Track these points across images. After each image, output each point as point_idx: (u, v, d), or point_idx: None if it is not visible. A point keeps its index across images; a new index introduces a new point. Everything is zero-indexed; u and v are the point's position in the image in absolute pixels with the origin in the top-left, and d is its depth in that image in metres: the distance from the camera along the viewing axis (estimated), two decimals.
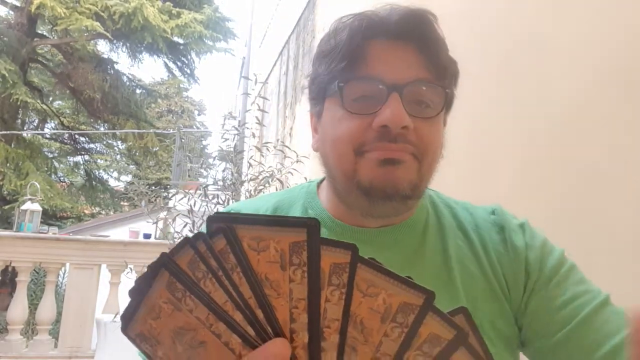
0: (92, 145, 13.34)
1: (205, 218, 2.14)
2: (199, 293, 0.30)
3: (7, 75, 8.80)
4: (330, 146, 0.59)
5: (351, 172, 0.57)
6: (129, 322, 0.32)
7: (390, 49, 0.57)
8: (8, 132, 9.68)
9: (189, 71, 12.32)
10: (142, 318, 0.32)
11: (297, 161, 2.33)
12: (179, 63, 12.08)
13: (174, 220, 2.25)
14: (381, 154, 0.55)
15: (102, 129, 12.65)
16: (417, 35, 0.57)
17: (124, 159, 15.70)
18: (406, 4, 0.60)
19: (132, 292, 0.32)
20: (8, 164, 9.57)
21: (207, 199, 2.21)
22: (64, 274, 6.36)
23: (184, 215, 2.14)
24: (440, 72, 0.57)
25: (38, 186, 6.39)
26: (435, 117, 0.58)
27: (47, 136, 12.95)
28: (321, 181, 0.69)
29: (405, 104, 0.55)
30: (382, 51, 0.57)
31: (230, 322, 0.30)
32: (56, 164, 12.15)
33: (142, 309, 0.31)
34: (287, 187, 2.28)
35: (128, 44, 10.80)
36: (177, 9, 10.32)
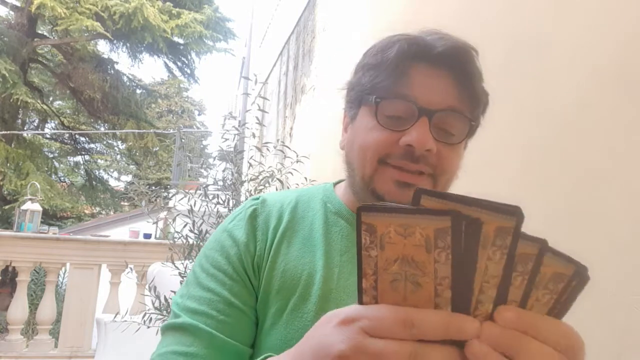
0: (92, 145, 13.35)
1: (205, 218, 2.15)
2: (460, 259, 0.31)
3: (7, 75, 8.81)
4: (358, 150, 0.64)
5: (369, 179, 0.63)
6: (375, 211, 0.32)
7: (430, 75, 0.61)
8: (8, 132, 9.69)
9: (189, 71, 12.33)
10: (387, 220, 0.32)
11: (297, 161, 2.33)
12: (179, 63, 12.09)
13: (174, 220, 2.25)
14: (398, 174, 0.60)
15: (102, 129, 12.66)
16: (458, 67, 0.61)
17: (124, 159, 15.72)
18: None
19: (410, 199, 0.32)
20: (8, 164, 9.57)
21: (207, 199, 2.21)
22: (64, 274, 6.37)
23: (184, 215, 2.14)
24: (473, 104, 0.63)
25: (38, 186, 6.40)
26: (458, 144, 0.63)
27: (48, 136, 12.95)
28: (336, 183, 0.75)
29: (432, 128, 0.59)
30: (423, 75, 0.61)
31: (456, 298, 0.32)
32: (56, 164, 12.15)
33: (397, 218, 0.32)
34: (288, 187, 2.28)
35: (128, 44, 10.80)
36: (177, 9, 10.32)
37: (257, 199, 0.72)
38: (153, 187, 2.54)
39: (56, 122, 12.89)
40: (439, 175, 0.62)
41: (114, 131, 11.66)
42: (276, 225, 0.68)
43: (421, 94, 0.60)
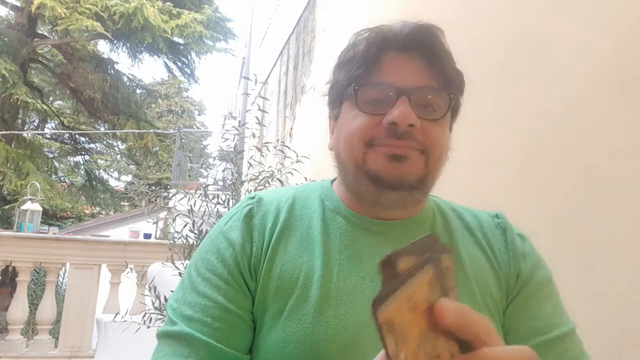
0: (92, 145, 13.34)
1: (205, 218, 2.15)
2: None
3: (7, 75, 8.80)
4: (344, 140, 0.65)
5: (361, 162, 0.63)
6: (382, 304, 0.28)
7: (401, 60, 0.63)
8: (8, 132, 9.68)
9: (189, 71, 12.31)
10: (398, 304, 0.29)
11: (297, 161, 2.33)
12: (179, 63, 12.08)
13: (174, 220, 2.25)
14: (388, 149, 0.61)
15: (102, 129, 12.65)
16: (425, 48, 0.63)
17: (124, 159, 15.70)
18: (415, 17, 0.66)
19: (390, 276, 0.29)
20: (8, 164, 9.56)
21: (207, 199, 2.20)
22: (64, 274, 6.37)
23: (184, 215, 2.14)
24: (446, 81, 0.63)
25: (38, 186, 6.40)
26: (441, 119, 0.63)
27: (48, 136, 12.95)
28: (334, 180, 0.75)
29: (413, 106, 0.60)
30: (394, 61, 0.63)
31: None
32: (56, 164, 12.13)
33: (401, 295, 0.29)
34: (288, 186, 2.28)
35: (128, 44, 10.79)
36: (177, 9, 10.31)
37: (253, 197, 0.71)
38: (153, 187, 2.53)
39: (56, 122, 12.88)
40: (430, 152, 0.62)
41: (114, 131, 11.65)
42: (273, 225, 0.66)
43: (396, 77, 0.62)
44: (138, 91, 12.26)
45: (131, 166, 17.11)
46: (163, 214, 4.38)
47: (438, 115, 0.62)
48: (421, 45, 0.62)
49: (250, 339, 0.62)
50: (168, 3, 10.26)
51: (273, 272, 0.62)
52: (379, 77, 0.62)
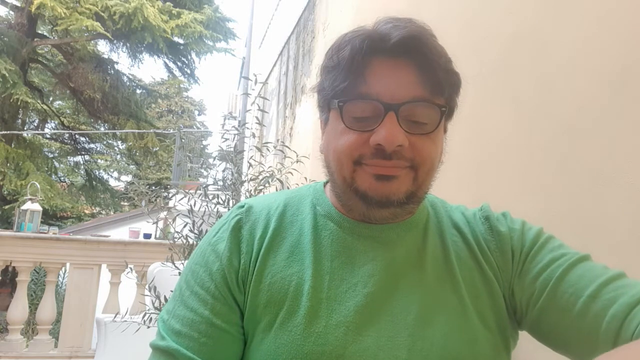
0: (92, 145, 13.35)
1: (205, 218, 2.15)
2: None
3: (7, 75, 8.80)
4: (332, 155, 0.63)
5: (349, 180, 0.61)
6: None
7: (388, 68, 0.59)
8: (8, 132, 9.68)
9: (189, 71, 12.32)
10: None
11: (297, 161, 2.33)
12: (179, 63, 12.08)
13: (174, 220, 2.25)
14: (376, 169, 0.59)
15: (102, 129, 12.66)
16: (415, 54, 0.59)
17: (124, 159, 15.71)
18: (407, 16, 0.62)
19: None
20: (8, 164, 9.57)
21: (207, 199, 2.21)
22: (64, 274, 6.37)
23: (184, 215, 2.14)
24: (437, 89, 0.59)
25: (38, 186, 6.39)
26: (432, 132, 0.60)
27: (48, 136, 12.95)
28: (327, 182, 0.73)
29: (401, 122, 0.58)
30: (381, 69, 0.59)
31: None
32: (56, 164, 12.14)
33: None
34: (287, 187, 2.28)
35: (128, 44, 10.79)
36: (177, 9, 10.31)
37: (243, 206, 0.68)
38: (153, 187, 2.53)
39: (56, 122, 12.89)
40: (419, 167, 0.60)
41: (114, 131, 11.66)
42: (262, 235, 0.65)
43: (383, 89, 0.58)
44: (138, 91, 12.27)
45: (131, 166, 17.13)
46: (163, 214, 4.38)
47: (429, 129, 0.59)
48: (410, 52, 0.58)
49: (239, 353, 0.62)
50: (168, 3, 10.26)
51: (262, 284, 0.61)
52: (364, 89, 0.58)
